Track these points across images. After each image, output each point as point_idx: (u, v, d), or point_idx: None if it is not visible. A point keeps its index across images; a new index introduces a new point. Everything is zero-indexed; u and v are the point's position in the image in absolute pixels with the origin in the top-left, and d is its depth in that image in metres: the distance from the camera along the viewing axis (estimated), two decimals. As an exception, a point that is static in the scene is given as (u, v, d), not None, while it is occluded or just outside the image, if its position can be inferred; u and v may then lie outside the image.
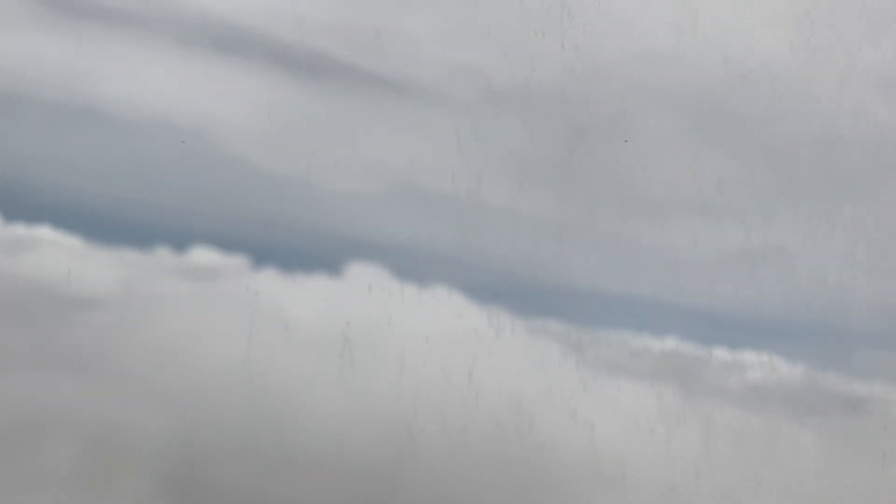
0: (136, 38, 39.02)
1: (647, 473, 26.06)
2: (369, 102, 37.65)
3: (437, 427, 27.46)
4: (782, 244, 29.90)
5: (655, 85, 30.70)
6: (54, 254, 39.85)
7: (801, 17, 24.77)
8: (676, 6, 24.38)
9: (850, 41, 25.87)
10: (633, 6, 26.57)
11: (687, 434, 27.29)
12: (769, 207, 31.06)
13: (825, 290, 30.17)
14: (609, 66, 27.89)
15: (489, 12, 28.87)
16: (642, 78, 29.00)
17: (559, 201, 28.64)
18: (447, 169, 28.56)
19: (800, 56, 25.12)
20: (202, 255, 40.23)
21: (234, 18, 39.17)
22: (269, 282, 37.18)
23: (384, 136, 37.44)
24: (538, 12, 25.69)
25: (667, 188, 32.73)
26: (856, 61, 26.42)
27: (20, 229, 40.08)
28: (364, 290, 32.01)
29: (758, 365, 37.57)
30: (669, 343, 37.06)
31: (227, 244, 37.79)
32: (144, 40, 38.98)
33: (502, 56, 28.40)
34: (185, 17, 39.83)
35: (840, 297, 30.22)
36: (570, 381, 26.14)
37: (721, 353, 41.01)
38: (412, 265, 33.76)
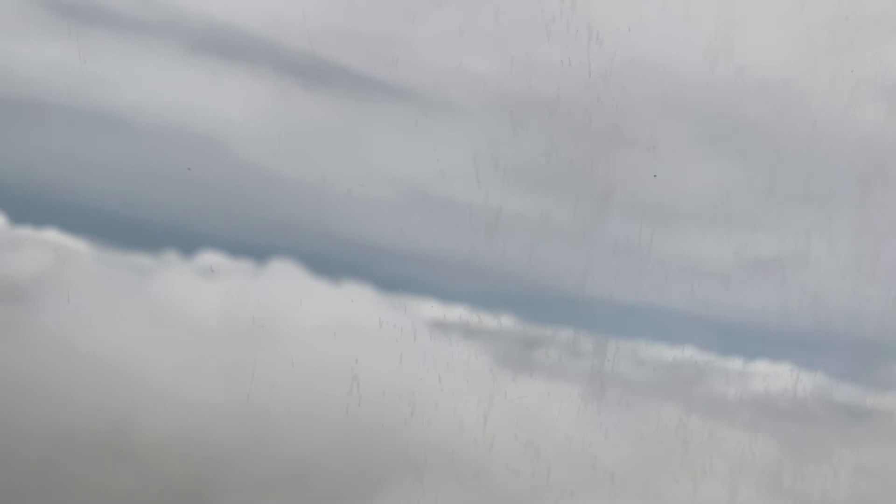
0: (145, 44, 38.59)
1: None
2: (378, 110, 37.02)
3: (449, 466, 26.76)
4: (800, 253, 29.03)
5: (680, 103, 29.66)
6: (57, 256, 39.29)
7: (844, 47, 23.48)
8: (711, 35, 23.06)
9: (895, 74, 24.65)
10: (664, 32, 25.27)
11: (712, 479, 26.36)
12: (787, 216, 30.38)
13: (845, 299, 29.49)
14: (635, 90, 26.68)
15: (504, 24, 27.75)
16: (668, 99, 27.88)
17: (572, 209, 27.74)
18: (460, 177, 27.88)
19: (841, 87, 23.88)
20: (211, 259, 39.70)
21: (242, 25, 38.56)
22: (270, 282, 36.60)
23: (394, 143, 36.82)
24: (563, 36, 24.39)
25: (683, 196, 31.97)
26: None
27: (27, 232, 39.66)
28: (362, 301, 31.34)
29: (775, 376, 36.82)
30: (684, 353, 36.28)
31: (234, 248, 37.43)
32: (153, 46, 38.56)
33: (518, 67, 27.35)
34: (194, 24, 39.26)
35: (860, 306, 29.55)
36: (589, 427, 25.20)
37: (737, 364, 40.23)
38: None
